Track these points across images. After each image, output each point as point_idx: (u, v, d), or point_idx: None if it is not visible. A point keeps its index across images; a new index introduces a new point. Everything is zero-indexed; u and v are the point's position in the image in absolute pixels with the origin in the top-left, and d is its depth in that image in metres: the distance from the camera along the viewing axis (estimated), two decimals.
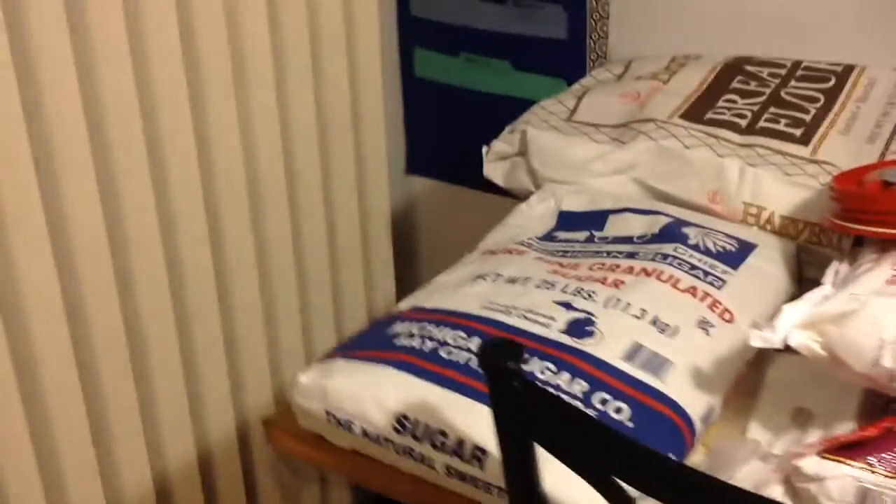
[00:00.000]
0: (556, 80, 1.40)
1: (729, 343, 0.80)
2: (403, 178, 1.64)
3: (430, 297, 0.85)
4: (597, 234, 0.94)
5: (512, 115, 1.47)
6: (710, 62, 1.12)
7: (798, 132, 0.98)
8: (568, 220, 0.97)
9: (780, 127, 0.99)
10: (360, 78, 1.34)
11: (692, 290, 0.82)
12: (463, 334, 0.78)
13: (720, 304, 0.82)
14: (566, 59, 1.36)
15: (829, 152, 0.96)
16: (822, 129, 0.99)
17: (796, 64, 1.09)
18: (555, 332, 0.77)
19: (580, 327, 0.78)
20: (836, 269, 0.76)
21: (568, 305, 0.80)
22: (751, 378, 0.80)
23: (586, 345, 0.76)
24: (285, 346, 1.28)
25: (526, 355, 0.59)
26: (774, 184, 0.94)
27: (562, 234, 0.95)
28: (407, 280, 1.72)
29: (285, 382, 1.30)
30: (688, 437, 0.73)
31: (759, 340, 0.67)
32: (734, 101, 1.03)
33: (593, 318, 0.78)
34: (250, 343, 1.21)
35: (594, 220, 0.96)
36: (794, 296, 0.87)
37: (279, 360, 1.28)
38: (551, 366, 0.74)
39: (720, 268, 0.86)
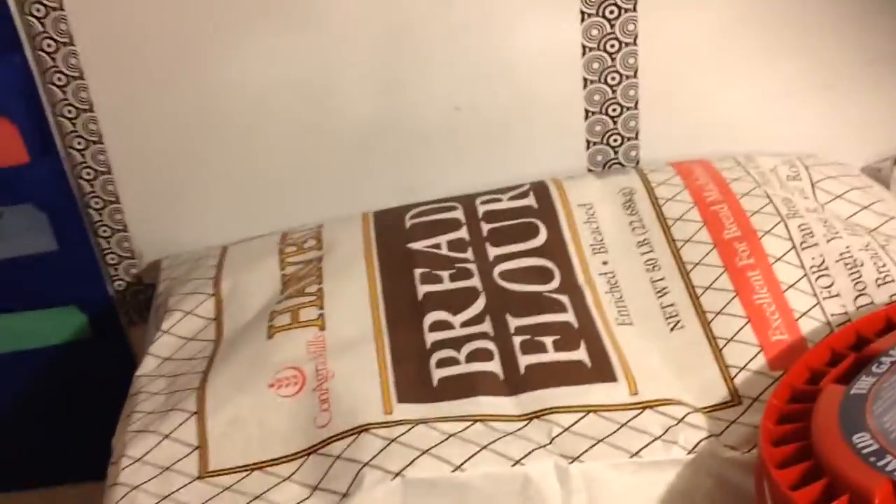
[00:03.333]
0: (65, 309, 0.86)
1: None
2: None
3: None
4: None
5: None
6: (348, 244, 0.70)
7: (584, 356, 0.60)
8: None
9: (557, 353, 0.59)
10: None
11: None
12: None
13: None
14: (68, 277, 0.83)
15: (644, 372, 0.59)
16: (599, 326, 0.62)
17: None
18: None
19: None
20: None
21: None
22: None
23: None
24: None
25: None
26: (618, 478, 0.55)
27: None
28: None
29: None
30: None
31: None
32: (448, 323, 0.62)
33: None
34: None
35: None
36: None
37: None
38: None
39: None
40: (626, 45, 0.72)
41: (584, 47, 0.72)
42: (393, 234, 0.70)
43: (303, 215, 0.77)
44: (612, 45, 0.72)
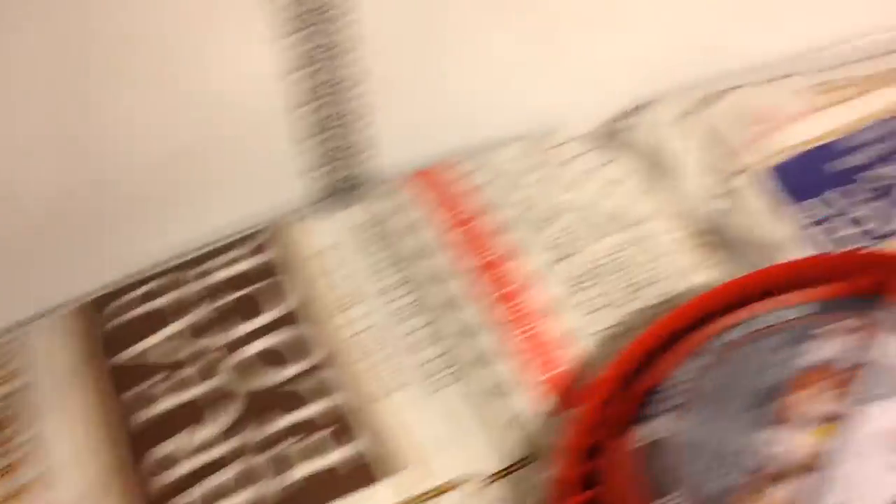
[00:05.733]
0: None
1: None
2: None
3: None
4: None
5: None
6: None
7: (363, 446, 0.51)
8: None
9: (334, 451, 0.51)
10: None
11: None
12: None
13: None
14: None
15: (430, 449, 0.51)
16: (368, 403, 0.54)
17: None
18: None
19: None
20: None
21: None
22: None
23: None
24: None
25: None
26: None
27: None
28: None
29: None
30: None
31: None
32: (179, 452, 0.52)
33: None
34: None
35: None
36: None
37: None
38: None
39: None
40: (339, 53, 0.62)
41: (288, 65, 0.61)
42: (95, 345, 0.58)
43: None
44: (322, 56, 0.62)
